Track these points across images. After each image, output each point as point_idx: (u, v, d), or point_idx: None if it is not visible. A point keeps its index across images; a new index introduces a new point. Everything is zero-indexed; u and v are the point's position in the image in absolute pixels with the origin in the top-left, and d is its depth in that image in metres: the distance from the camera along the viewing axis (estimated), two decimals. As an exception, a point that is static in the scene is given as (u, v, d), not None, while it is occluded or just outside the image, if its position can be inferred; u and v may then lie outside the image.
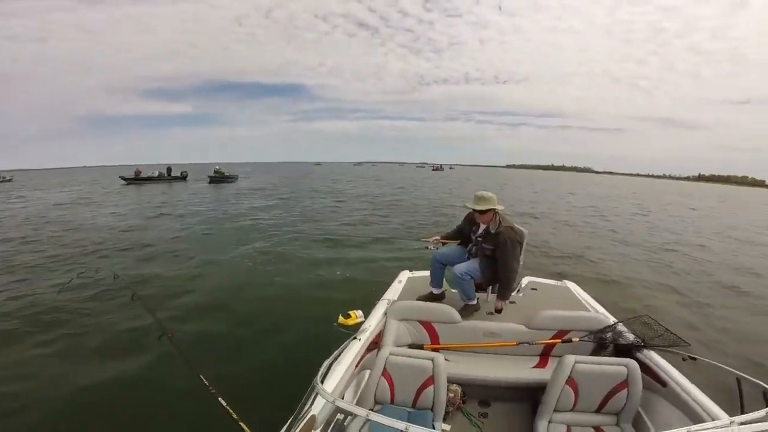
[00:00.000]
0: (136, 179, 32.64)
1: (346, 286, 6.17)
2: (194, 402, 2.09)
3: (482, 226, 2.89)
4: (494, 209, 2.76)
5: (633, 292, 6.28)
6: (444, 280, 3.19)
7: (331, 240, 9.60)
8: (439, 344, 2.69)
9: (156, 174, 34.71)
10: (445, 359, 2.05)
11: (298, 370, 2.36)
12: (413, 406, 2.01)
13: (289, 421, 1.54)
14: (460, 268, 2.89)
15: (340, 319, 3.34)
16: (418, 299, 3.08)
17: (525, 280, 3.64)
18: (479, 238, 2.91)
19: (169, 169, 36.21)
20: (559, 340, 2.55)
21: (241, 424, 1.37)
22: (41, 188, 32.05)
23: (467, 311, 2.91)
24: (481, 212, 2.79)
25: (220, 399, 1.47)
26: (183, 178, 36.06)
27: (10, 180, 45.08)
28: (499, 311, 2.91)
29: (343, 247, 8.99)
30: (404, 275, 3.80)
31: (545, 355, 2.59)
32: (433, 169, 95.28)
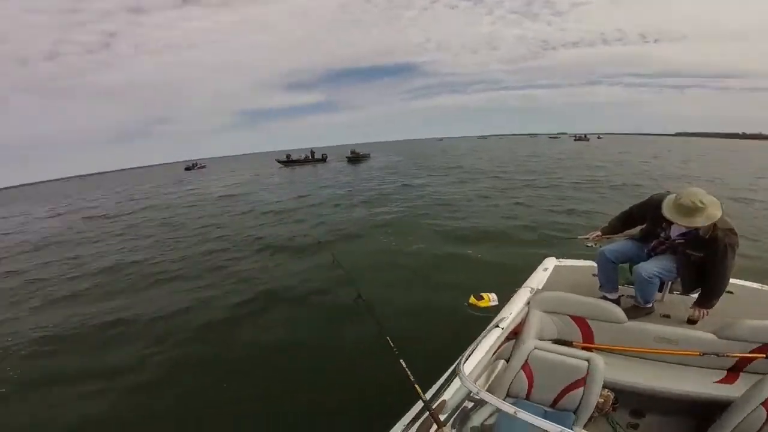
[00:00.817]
0: (288, 162, 39.57)
1: (476, 269, 5.98)
2: (378, 360, 2.22)
3: (681, 227, 2.28)
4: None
5: None
6: (617, 282, 2.72)
7: (463, 220, 9.32)
8: (593, 343, 2.39)
9: (303, 157, 41.22)
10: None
11: (437, 348, 2.58)
12: (552, 405, 1.86)
13: (423, 403, 1.52)
14: (649, 268, 2.39)
15: (471, 299, 3.25)
16: None
17: None
18: (679, 240, 2.37)
19: (312, 153, 42.42)
20: (763, 355, 2.12)
21: (417, 386, 1.44)
22: (224, 172, 42.65)
23: (636, 312, 2.47)
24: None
25: (401, 361, 1.54)
26: (323, 159, 41.40)
27: (204, 167, 61.27)
28: (694, 321, 2.39)
29: (478, 229, 8.51)
30: (550, 262, 3.43)
31: (736, 370, 2.19)
32: (575, 139, 76.26)
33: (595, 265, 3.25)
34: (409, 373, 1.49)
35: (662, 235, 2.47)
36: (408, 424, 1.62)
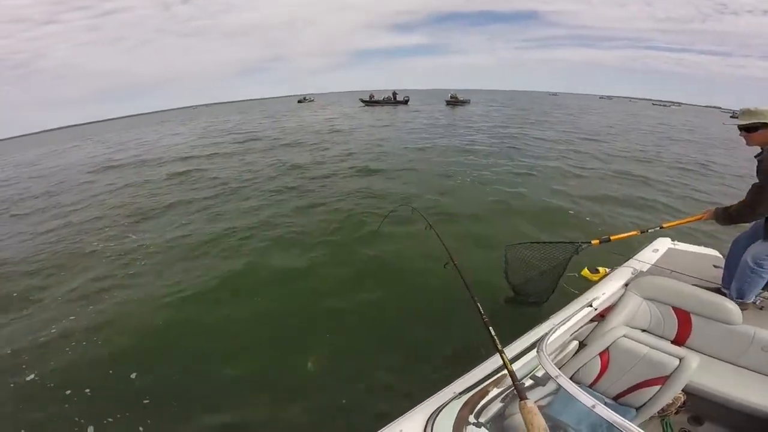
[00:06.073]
0: (371, 102, 41.16)
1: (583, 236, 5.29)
2: (466, 324, 2.27)
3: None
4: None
5: None
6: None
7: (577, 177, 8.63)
8: (684, 343, 2.13)
9: (383, 98, 41.90)
10: None
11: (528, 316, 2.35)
12: (615, 398, 1.75)
13: (488, 371, 1.61)
14: (757, 251, 2.13)
15: (585, 271, 3.05)
16: None
17: None
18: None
19: (394, 94, 42.46)
20: None
21: (503, 355, 1.41)
22: (326, 107, 46.11)
23: (753, 315, 2.17)
24: (748, 130, 2.03)
25: (490, 328, 1.51)
26: (405, 102, 41.29)
27: (313, 101, 68.65)
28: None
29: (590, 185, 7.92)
30: (663, 243, 3.09)
31: None
32: (731, 116, 59.42)
33: (717, 254, 2.94)
34: (497, 341, 1.46)
35: None
36: (483, 379, 1.60)
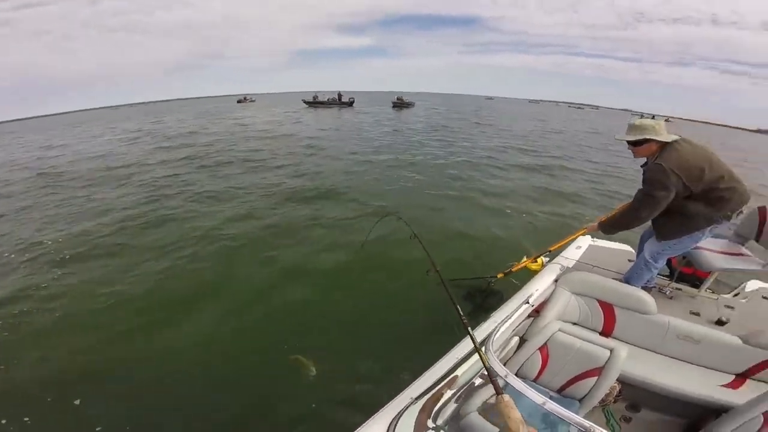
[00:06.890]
0: (314, 103, 40.59)
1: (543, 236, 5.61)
2: (447, 325, 2.36)
3: None
4: (653, 139, 2.07)
5: None
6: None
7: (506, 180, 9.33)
8: (610, 334, 2.30)
9: (327, 99, 41.32)
10: None
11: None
12: (559, 391, 1.85)
13: (440, 374, 1.67)
14: (651, 249, 2.36)
15: (525, 259, 3.24)
16: None
17: (753, 285, 2.76)
18: None
19: (339, 96, 41.80)
20: None
21: (481, 354, 1.43)
22: (267, 108, 44.45)
23: (666, 305, 2.40)
24: (634, 144, 2.17)
25: (469, 328, 1.56)
26: (350, 104, 40.80)
27: (254, 101, 66.23)
28: (723, 323, 2.25)
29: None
30: (585, 240, 3.33)
31: (744, 376, 2.05)
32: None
33: (630, 249, 3.22)
34: (476, 341, 1.48)
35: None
36: (436, 382, 1.62)
